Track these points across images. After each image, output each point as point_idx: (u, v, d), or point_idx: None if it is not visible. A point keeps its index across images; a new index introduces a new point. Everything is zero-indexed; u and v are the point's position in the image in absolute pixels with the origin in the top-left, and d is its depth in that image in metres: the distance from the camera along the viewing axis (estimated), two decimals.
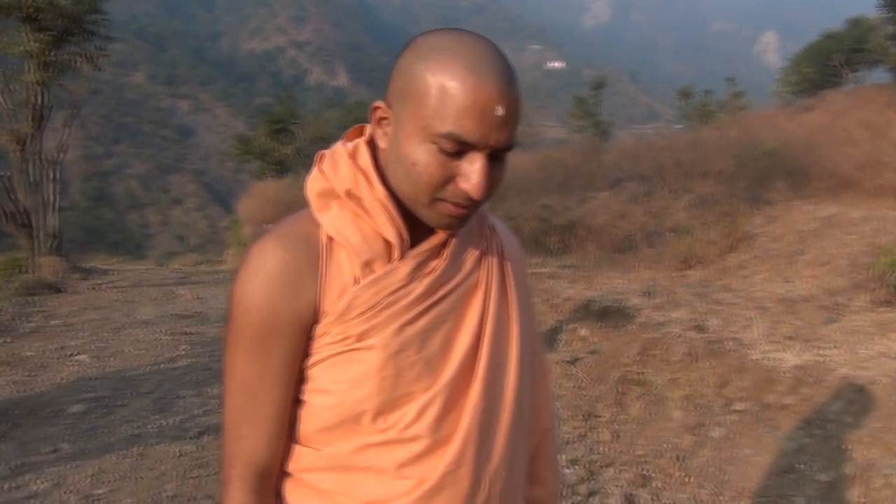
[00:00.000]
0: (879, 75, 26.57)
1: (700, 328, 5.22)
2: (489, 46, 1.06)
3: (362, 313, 1.10)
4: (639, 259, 7.91)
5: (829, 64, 28.59)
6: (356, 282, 1.11)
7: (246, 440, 1.14)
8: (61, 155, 15.98)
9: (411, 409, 1.12)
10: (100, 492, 4.21)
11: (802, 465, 3.93)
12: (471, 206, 1.08)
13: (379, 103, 1.11)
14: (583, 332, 6.15)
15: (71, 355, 7.11)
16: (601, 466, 4.42)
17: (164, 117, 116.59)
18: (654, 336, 5.35)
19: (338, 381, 1.11)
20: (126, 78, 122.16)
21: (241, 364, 1.13)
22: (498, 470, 1.19)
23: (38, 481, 4.32)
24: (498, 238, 1.29)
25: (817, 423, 4.08)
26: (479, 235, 1.25)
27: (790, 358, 4.54)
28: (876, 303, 5.53)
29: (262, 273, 1.10)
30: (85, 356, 7.12)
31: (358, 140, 1.18)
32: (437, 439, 1.13)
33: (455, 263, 1.19)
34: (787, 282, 6.59)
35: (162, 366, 6.91)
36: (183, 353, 7.38)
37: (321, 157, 1.19)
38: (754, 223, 8.09)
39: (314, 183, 1.17)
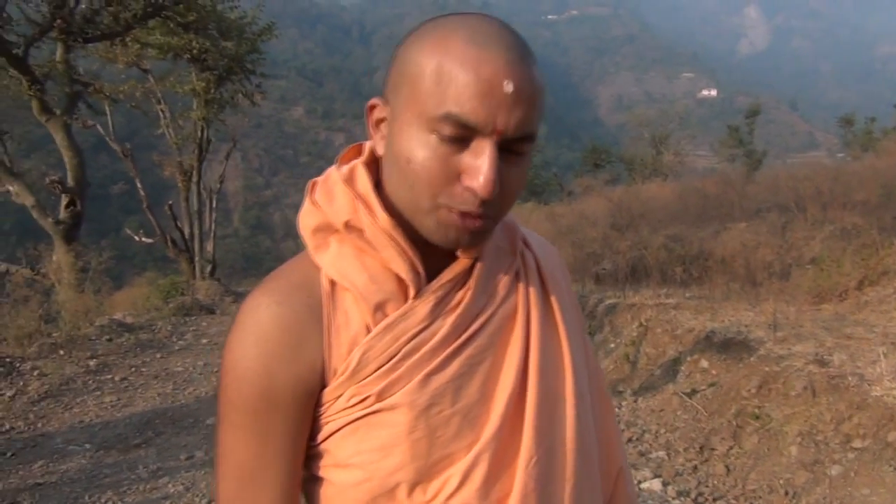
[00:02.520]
0: None
1: (822, 362, 5.03)
2: (497, 22, 0.89)
3: (379, 367, 0.92)
4: (770, 291, 7.66)
5: None
6: (368, 331, 0.93)
7: None
8: (220, 185, 17.20)
9: (454, 473, 0.93)
10: None
11: None
12: (482, 216, 0.88)
13: (375, 100, 0.94)
14: (703, 363, 6.05)
15: (214, 371, 7.64)
16: (711, 499, 4.36)
17: (320, 149, 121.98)
18: (775, 369, 5.20)
19: (362, 451, 0.92)
20: (286, 112, 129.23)
21: (234, 442, 0.94)
22: None
23: (172, 485, 4.72)
24: (533, 253, 1.10)
25: None
26: (510, 253, 1.05)
27: None
28: None
29: (254, 334, 0.92)
30: None
31: (354, 162, 0.99)
32: None
33: (485, 291, 0.99)
34: None
35: None
36: None
37: (313, 186, 1.00)
38: None
39: (307, 218, 0.98)
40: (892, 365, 4.88)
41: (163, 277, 15.96)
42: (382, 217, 0.92)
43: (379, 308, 0.93)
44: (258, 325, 0.92)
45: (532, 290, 1.04)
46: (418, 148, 0.85)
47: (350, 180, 0.96)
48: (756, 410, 5.01)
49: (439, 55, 0.84)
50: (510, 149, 0.87)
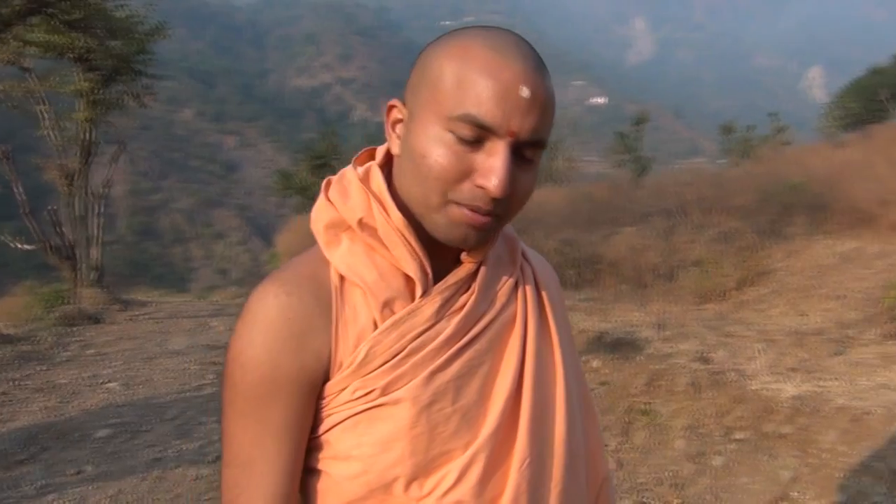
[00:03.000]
0: None
1: (705, 360, 5.30)
2: (515, 35, 0.94)
3: (385, 362, 0.94)
4: (657, 293, 7.99)
5: (874, 99, 28.34)
6: (375, 326, 0.96)
7: None
8: (106, 190, 16.55)
9: (451, 469, 0.96)
10: None
11: (797, 493, 3.98)
12: (490, 215, 0.92)
13: (394, 101, 0.99)
14: (595, 363, 6.24)
15: (102, 383, 7.37)
16: None
17: (211, 153, 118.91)
18: (661, 367, 5.44)
19: (362, 444, 0.95)
20: (175, 114, 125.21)
21: (235, 429, 0.96)
22: None
23: (60, 501, 4.52)
24: (531, 267, 1.14)
25: (813, 452, 4.14)
26: (510, 263, 1.10)
27: (789, 389, 4.61)
28: (885, 336, 5.56)
29: (262, 322, 0.95)
30: (115, 384, 7.38)
31: (369, 163, 1.04)
32: (483, 503, 0.98)
33: (487, 297, 1.03)
34: (802, 315, 6.64)
35: (188, 393, 7.13)
36: (209, 381, 7.61)
37: (328, 184, 1.05)
38: (774, 258, 8.14)
39: (321, 213, 1.02)
40: (769, 360, 5.18)
41: (44, 286, 15.25)
42: (396, 216, 0.96)
43: (387, 305, 0.96)
44: (266, 313, 0.95)
45: (530, 301, 1.08)
46: (434, 144, 0.89)
47: (366, 180, 1.00)
48: (644, 406, 5.22)
49: (460, 60, 0.89)
50: (521, 153, 0.91)
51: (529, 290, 1.09)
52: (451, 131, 0.89)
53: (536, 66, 0.90)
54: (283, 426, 0.95)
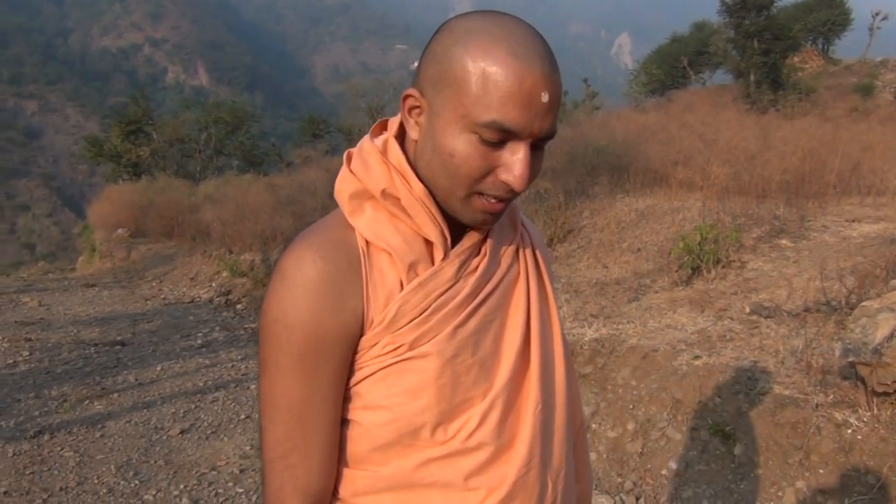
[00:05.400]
0: (721, 76, 28.33)
1: None
2: (529, 29, 0.98)
3: (413, 319, 1.02)
4: None
5: (676, 65, 30.31)
6: (401, 287, 1.03)
7: (297, 469, 1.05)
8: None
9: (473, 415, 1.05)
10: None
11: (596, 425, 4.44)
12: (507, 200, 1.02)
13: (411, 91, 1.03)
14: None
15: None
16: None
17: (9, 119, 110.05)
18: None
19: (392, 394, 1.03)
20: None
21: (284, 387, 1.03)
22: (559, 468, 1.16)
23: None
24: (528, 231, 1.24)
25: (609, 388, 4.61)
26: (511, 229, 1.20)
27: (590, 333, 5.08)
28: (673, 283, 6.19)
29: (301, 287, 1.00)
30: None
31: (386, 136, 1.09)
32: (501, 445, 1.07)
33: (494, 259, 1.13)
34: (605, 267, 7.23)
35: (1, 371, 6.84)
36: (23, 358, 7.32)
37: (349, 157, 1.11)
38: (581, 216, 8.74)
39: (345, 184, 1.08)
40: (574, 308, 5.66)
41: None
42: (418, 187, 1.03)
43: (411, 268, 1.04)
44: (305, 277, 1.00)
45: (529, 262, 1.19)
46: (461, 144, 0.96)
47: (384, 152, 1.07)
48: None
49: (483, 63, 0.93)
50: (536, 144, 0.99)
51: (528, 252, 1.20)
52: (477, 133, 0.95)
53: (553, 67, 0.96)
54: (329, 380, 1.03)
